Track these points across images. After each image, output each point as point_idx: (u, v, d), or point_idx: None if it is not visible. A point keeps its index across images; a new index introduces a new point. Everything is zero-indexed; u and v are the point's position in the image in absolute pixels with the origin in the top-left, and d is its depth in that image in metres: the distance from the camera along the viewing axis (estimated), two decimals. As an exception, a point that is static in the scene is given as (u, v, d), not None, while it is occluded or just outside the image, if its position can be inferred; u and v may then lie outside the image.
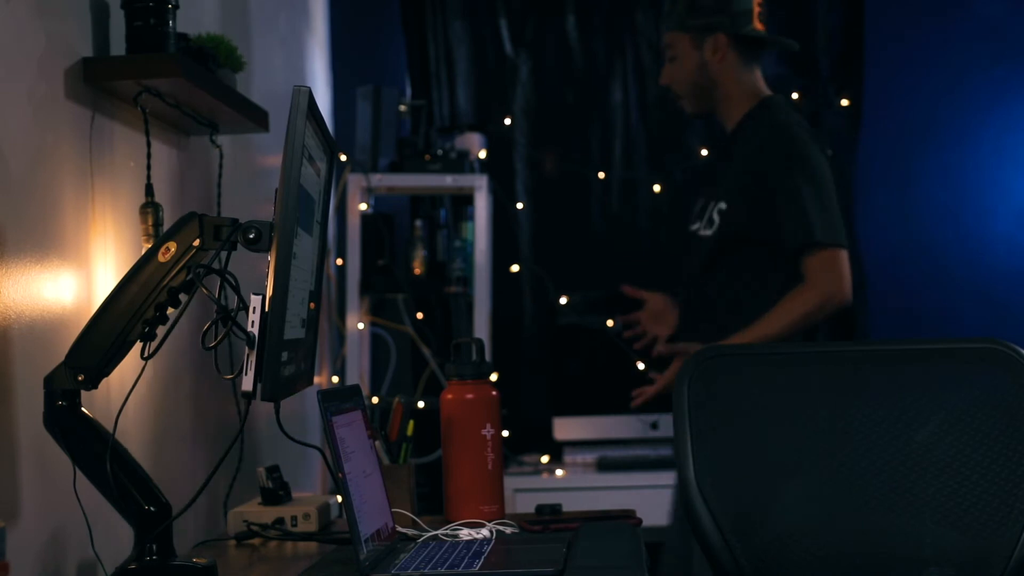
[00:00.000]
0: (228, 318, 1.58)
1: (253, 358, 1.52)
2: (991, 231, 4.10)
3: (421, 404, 3.52)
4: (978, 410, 1.92)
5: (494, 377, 3.22)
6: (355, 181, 3.75)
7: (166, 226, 1.97)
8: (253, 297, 1.53)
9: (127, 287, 1.60)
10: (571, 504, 2.26)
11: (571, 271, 4.06)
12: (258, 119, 2.39)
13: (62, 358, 1.60)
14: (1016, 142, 4.07)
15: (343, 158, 3.80)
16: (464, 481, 2.07)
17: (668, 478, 3.00)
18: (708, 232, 2.78)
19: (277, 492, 2.14)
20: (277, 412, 1.61)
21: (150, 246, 1.76)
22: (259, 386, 1.53)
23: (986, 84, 4.07)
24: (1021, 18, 4.11)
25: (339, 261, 3.91)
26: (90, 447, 1.61)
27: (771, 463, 1.94)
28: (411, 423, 2.13)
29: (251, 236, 1.59)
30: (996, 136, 4.07)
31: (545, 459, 3.81)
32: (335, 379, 3.81)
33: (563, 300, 3.92)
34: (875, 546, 1.91)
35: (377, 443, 2.08)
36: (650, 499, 3.30)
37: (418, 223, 3.91)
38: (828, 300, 2.69)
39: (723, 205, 2.76)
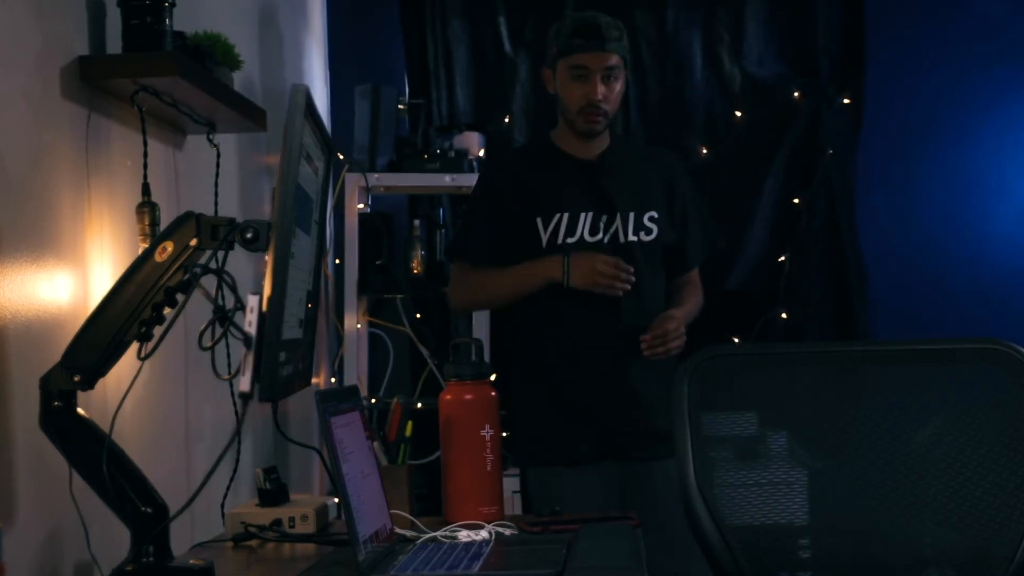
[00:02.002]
0: (225, 318, 1.58)
1: (251, 358, 1.51)
2: (991, 231, 4.09)
3: (419, 405, 3.51)
4: (978, 410, 1.91)
5: (493, 378, 3.21)
6: (353, 180, 3.74)
7: (163, 226, 1.96)
8: (251, 297, 1.52)
9: (124, 287, 1.59)
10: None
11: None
12: (256, 118, 2.38)
13: (58, 358, 1.59)
14: (1016, 142, 4.06)
15: (341, 157, 3.79)
16: (463, 482, 2.06)
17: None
18: (649, 238, 2.91)
19: (275, 493, 2.13)
20: (275, 413, 1.60)
21: (147, 246, 1.75)
22: (257, 387, 1.52)
23: (986, 84, 4.07)
24: (1021, 18, 4.10)
25: (337, 261, 3.90)
26: (86, 448, 1.60)
27: (771, 463, 1.93)
28: (409, 424, 2.12)
29: (249, 236, 1.58)
30: (996, 136, 4.06)
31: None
32: (333, 380, 3.80)
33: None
34: (875, 546, 1.90)
35: (375, 444, 2.08)
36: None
37: (416, 223, 3.90)
38: None
39: (654, 214, 2.92)
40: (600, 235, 2.88)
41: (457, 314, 3.04)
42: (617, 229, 2.89)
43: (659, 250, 2.94)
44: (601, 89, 2.86)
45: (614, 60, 2.87)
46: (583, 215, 2.88)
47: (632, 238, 2.89)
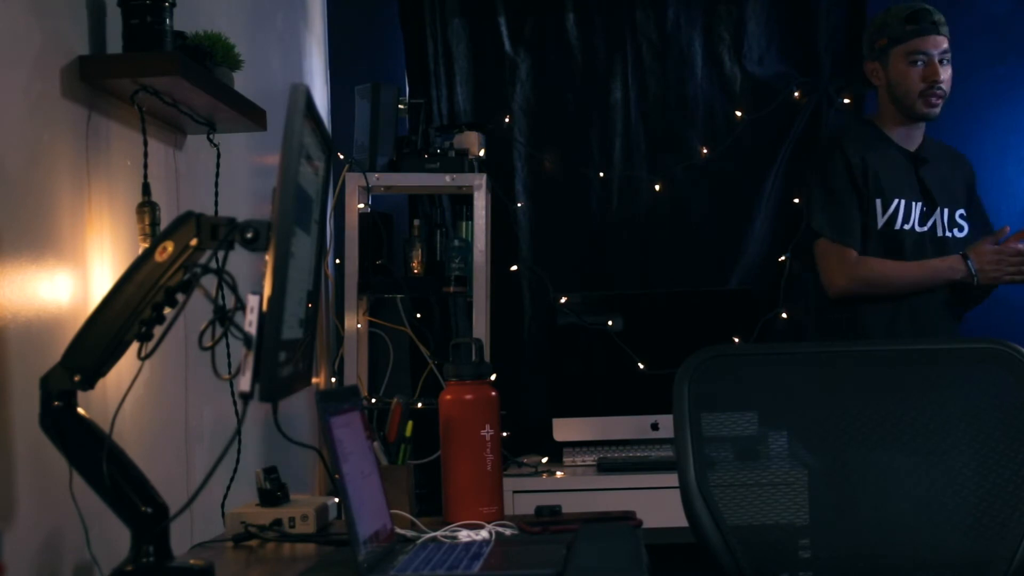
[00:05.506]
0: (225, 318, 1.57)
1: (251, 358, 1.51)
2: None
3: (419, 405, 3.51)
4: (980, 411, 1.91)
5: (493, 378, 3.20)
6: (353, 180, 3.73)
7: (163, 225, 1.96)
8: (251, 297, 1.52)
9: (124, 287, 1.59)
10: (571, 505, 2.25)
11: (570, 271, 4.04)
12: (256, 117, 2.38)
13: (58, 358, 1.59)
14: (1019, 141, 4.05)
15: (341, 157, 3.79)
16: (463, 482, 2.06)
17: (668, 479, 2.98)
18: (961, 235, 3.10)
19: (275, 493, 2.13)
20: (275, 413, 1.60)
21: (147, 246, 1.75)
22: (257, 387, 1.51)
23: (989, 83, 4.06)
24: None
25: (337, 261, 3.90)
26: (86, 448, 1.59)
27: (771, 463, 1.93)
28: (409, 424, 2.12)
29: (249, 236, 1.58)
30: (999, 135, 4.05)
31: (544, 460, 3.80)
32: (333, 380, 3.80)
33: (563, 300, 3.91)
34: (875, 547, 1.90)
35: (375, 444, 2.07)
36: (650, 500, 3.30)
37: (416, 222, 3.89)
38: None
39: (963, 212, 3.12)
40: (926, 226, 2.99)
41: (835, 297, 3.01)
42: (936, 222, 3.06)
43: (963, 248, 3.08)
44: (941, 71, 3.03)
45: (946, 43, 3.06)
46: (914, 204, 3.03)
47: (948, 233, 3.07)
